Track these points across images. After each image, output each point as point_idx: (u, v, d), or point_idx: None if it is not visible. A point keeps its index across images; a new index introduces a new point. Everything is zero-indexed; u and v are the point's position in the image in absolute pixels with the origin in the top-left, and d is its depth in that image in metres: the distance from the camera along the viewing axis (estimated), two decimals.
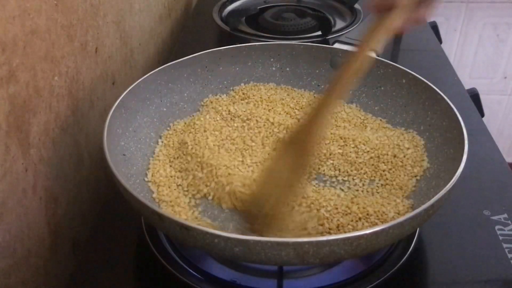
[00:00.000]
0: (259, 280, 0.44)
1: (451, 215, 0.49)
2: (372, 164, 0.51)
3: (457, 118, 0.47)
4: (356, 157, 0.51)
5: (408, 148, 0.52)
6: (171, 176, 0.50)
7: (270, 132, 0.55)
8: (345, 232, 0.42)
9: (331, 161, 0.52)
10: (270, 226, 0.41)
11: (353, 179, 0.50)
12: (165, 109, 0.57)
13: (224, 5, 0.93)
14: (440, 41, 0.87)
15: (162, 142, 0.54)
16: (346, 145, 0.53)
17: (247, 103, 0.59)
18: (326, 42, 0.79)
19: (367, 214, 0.44)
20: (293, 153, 0.42)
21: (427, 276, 0.44)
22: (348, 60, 0.41)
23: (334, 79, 0.41)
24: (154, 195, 0.48)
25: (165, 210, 0.46)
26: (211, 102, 0.59)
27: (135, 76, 0.70)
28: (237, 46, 0.61)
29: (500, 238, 0.47)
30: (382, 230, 0.35)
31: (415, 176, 0.49)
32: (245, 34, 0.82)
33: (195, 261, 0.45)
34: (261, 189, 0.43)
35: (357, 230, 0.43)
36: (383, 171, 0.50)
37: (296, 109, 0.58)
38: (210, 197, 0.47)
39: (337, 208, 0.45)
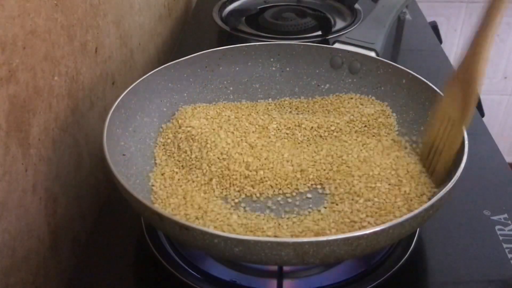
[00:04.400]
0: (259, 280, 0.44)
1: (451, 215, 0.49)
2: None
3: None
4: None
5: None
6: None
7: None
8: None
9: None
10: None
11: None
12: (165, 109, 0.57)
13: (224, 5, 0.93)
14: (440, 41, 0.87)
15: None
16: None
17: None
18: (326, 42, 0.79)
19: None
20: (460, 90, 0.45)
21: (427, 276, 0.44)
22: None
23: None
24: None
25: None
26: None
27: (135, 76, 0.70)
28: (237, 46, 0.61)
29: (500, 238, 0.47)
30: (382, 230, 0.35)
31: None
32: (245, 34, 0.82)
33: (195, 261, 0.45)
34: (437, 136, 0.47)
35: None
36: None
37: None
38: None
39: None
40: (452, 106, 0.46)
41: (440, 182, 0.45)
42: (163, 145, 0.53)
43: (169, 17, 0.90)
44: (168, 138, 0.53)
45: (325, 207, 0.46)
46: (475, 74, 0.43)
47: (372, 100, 0.58)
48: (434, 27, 0.91)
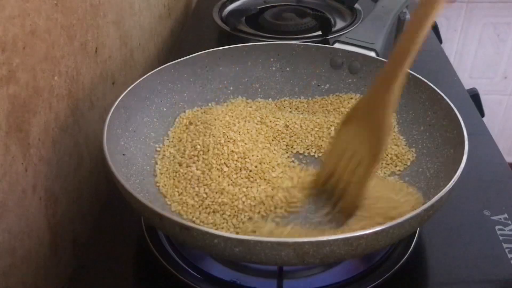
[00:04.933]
0: (259, 280, 0.44)
1: (451, 215, 0.49)
2: None
3: (457, 118, 0.47)
4: None
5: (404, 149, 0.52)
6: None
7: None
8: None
9: None
10: (349, 206, 0.41)
11: None
12: (165, 109, 0.57)
13: (224, 5, 0.93)
14: (440, 41, 0.87)
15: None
16: None
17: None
18: (326, 42, 0.79)
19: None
20: (366, 129, 0.40)
21: (427, 276, 0.44)
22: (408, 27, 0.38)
23: (396, 46, 0.38)
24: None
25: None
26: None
27: (135, 76, 0.70)
28: (237, 46, 0.61)
29: (500, 238, 0.47)
30: (382, 230, 0.35)
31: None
32: (245, 34, 0.82)
33: (195, 261, 0.45)
34: (329, 169, 0.43)
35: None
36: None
37: None
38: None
39: None
40: (358, 138, 0.41)
41: (347, 216, 0.42)
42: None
43: (169, 17, 0.90)
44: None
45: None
46: (384, 106, 0.39)
47: None
48: (434, 27, 0.91)
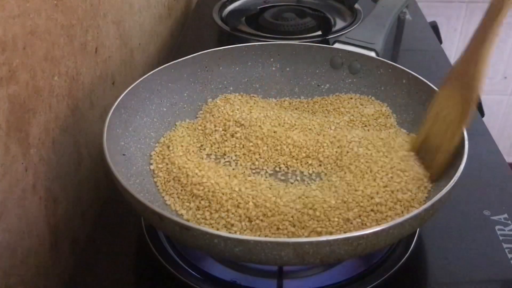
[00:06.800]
0: (259, 280, 0.44)
1: (451, 215, 0.49)
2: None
3: None
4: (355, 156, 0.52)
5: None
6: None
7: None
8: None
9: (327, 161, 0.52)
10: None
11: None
12: (165, 109, 0.57)
13: (224, 5, 0.93)
14: (440, 41, 0.87)
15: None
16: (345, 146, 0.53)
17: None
18: (326, 42, 0.79)
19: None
20: (457, 91, 0.44)
21: (427, 276, 0.44)
22: None
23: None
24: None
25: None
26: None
27: (135, 76, 0.70)
28: (237, 46, 0.61)
29: (500, 238, 0.47)
30: (382, 230, 0.35)
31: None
32: (245, 34, 0.82)
33: (195, 261, 0.45)
34: (430, 134, 0.47)
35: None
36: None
37: None
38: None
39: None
40: (448, 105, 0.45)
41: (437, 177, 0.45)
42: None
43: (169, 17, 0.90)
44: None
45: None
46: (475, 75, 0.42)
47: (372, 100, 0.59)
48: (434, 27, 0.91)
